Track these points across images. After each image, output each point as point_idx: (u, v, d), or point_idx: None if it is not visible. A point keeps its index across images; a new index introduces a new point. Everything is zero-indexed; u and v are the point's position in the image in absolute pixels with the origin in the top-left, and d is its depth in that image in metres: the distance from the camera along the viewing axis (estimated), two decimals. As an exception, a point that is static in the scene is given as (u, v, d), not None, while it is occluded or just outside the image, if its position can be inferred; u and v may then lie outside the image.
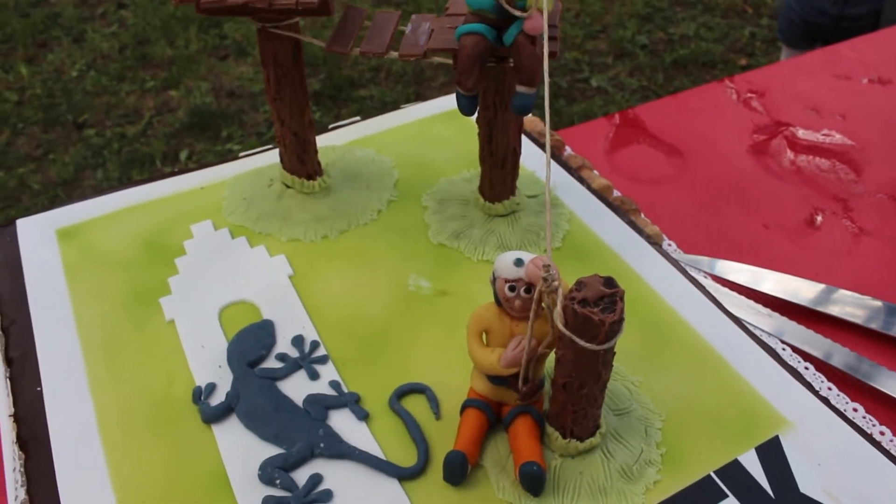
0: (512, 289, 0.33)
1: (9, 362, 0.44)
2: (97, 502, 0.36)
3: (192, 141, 2.18)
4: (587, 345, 0.31)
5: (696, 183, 0.66)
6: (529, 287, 0.33)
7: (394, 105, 2.32)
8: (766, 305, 0.53)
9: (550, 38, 0.39)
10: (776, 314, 0.52)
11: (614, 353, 0.33)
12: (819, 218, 0.64)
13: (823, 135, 0.74)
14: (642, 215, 0.57)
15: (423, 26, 0.43)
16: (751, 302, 0.53)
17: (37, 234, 0.52)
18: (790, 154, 0.71)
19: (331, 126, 0.60)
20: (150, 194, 0.54)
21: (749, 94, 0.80)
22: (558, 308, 0.31)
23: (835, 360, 0.50)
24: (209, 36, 2.65)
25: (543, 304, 0.33)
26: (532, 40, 0.37)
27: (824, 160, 0.70)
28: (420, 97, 2.54)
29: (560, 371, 0.34)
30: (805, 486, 0.36)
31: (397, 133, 0.58)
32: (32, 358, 0.44)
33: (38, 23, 2.83)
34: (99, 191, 0.55)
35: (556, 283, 0.32)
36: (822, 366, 0.49)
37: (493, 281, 0.34)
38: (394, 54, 0.42)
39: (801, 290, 0.55)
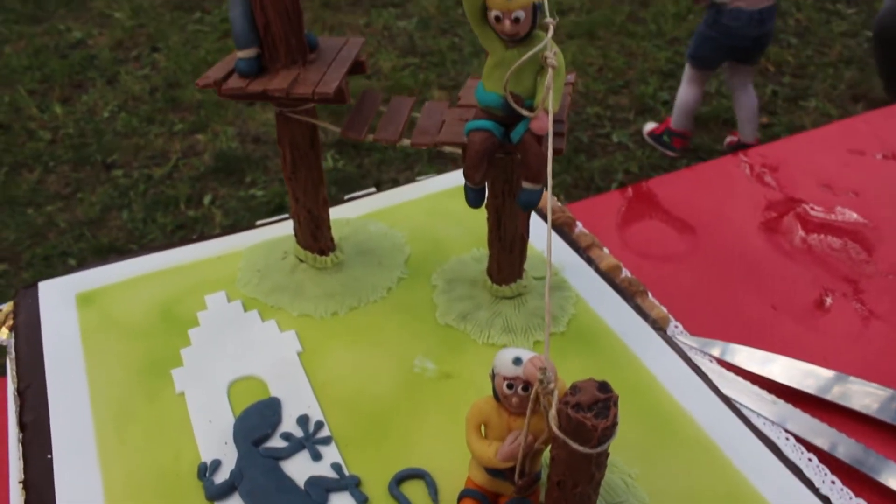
0: (510, 386, 0.34)
1: (22, 427, 0.46)
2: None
3: (217, 185, 2.22)
4: (580, 448, 0.31)
5: (707, 260, 0.67)
6: (527, 385, 0.34)
7: (416, 155, 2.35)
8: (771, 391, 0.53)
9: (557, 135, 0.40)
10: (781, 401, 0.52)
11: (608, 455, 0.33)
12: (829, 300, 0.64)
13: (836, 213, 0.74)
14: (650, 296, 0.57)
15: (436, 115, 0.44)
16: (756, 388, 0.53)
17: (57, 297, 0.53)
18: (801, 232, 0.71)
19: (346, 197, 0.62)
20: (168, 261, 0.55)
21: (763, 169, 0.80)
22: (553, 411, 0.32)
23: (840, 452, 0.50)
24: (238, 82, 2.70)
25: (540, 404, 0.33)
26: (539, 139, 0.38)
27: (836, 239, 0.71)
28: (440, 154, 2.57)
29: (554, 469, 0.34)
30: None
31: (411, 207, 0.59)
32: (45, 424, 0.45)
33: (76, 64, 2.92)
34: (119, 255, 0.57)
35: (551, 385, 0.32)
36: (826, 457, 0.49)
37: (493, 377, 0.35)
38: (406, 142, 0.43)
39: (808, 376, 0.55)
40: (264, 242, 0.55)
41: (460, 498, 0.37)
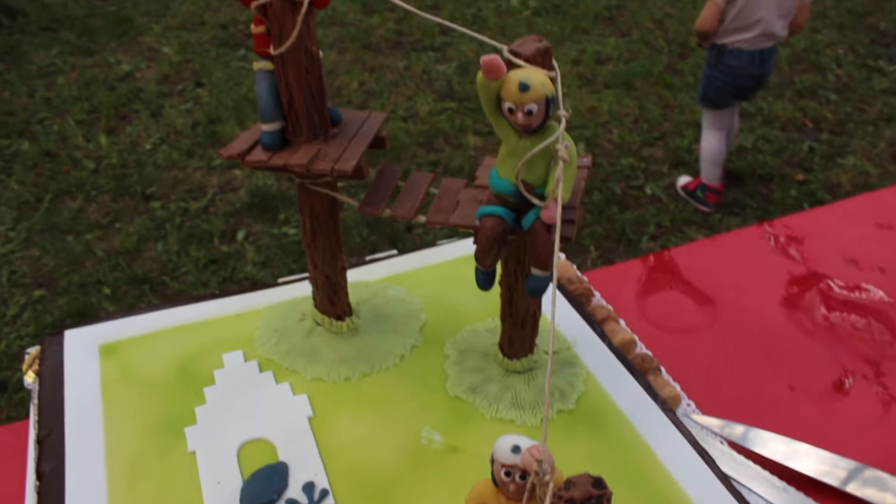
0: (507, 474, 0.34)
1: (39, 475, 0.47)
2: None
3: (251, 221, 2.25)
4: (574, 544, 0.31)
5: (725, 335, 0.67)
6: (524, 474, 0.34)
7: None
8: (783, 478, 0.53)
9: (567, 222, 0.41)
10: (792, 489, 0.52)
11: (602, 551, 0.33)
12: (849, 382, 0.63)
13: (860, 290, 0.73)
14: (663, 373, 0.57)
15: (451, 194, 0.45)
16: (766, 473, 0.52)
17: (82, 347, 0.55)
18: (823, 309, 0.71)
19: (368, 258, 0.63)
20: (189, 317, 0.57)
21: (787, 241, 0.80)
22: (548, 498, 0.32)
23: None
24: (277, 120, 2.75)
25: (536, 494, 0.34)
26: (548, 228, 0.39)
27: (859, 318, 0.70)
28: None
29: (549, 561, 0.34)
30: None
31: (429, 272, 0.60)
32: (61, 474, 0.46)
33: (122, 96, 3.01)
34: (143, 308, 0.58)
35: (547, 477, 0.33)
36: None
37: (492, 462, 0.35)
38: (422, 219, 0.44)
39: (823, 464, 0.54)
40: (283, 303, 0.57)
41: (457, 579, 0.38)
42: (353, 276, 0.58)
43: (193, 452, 0.46)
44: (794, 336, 0.67)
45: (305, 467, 0.45)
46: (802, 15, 2.11)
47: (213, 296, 0.59)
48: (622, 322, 0.61)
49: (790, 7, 2.04)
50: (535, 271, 0.40)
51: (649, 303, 0.70)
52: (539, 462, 0.33)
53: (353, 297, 0.55)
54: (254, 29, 0.43)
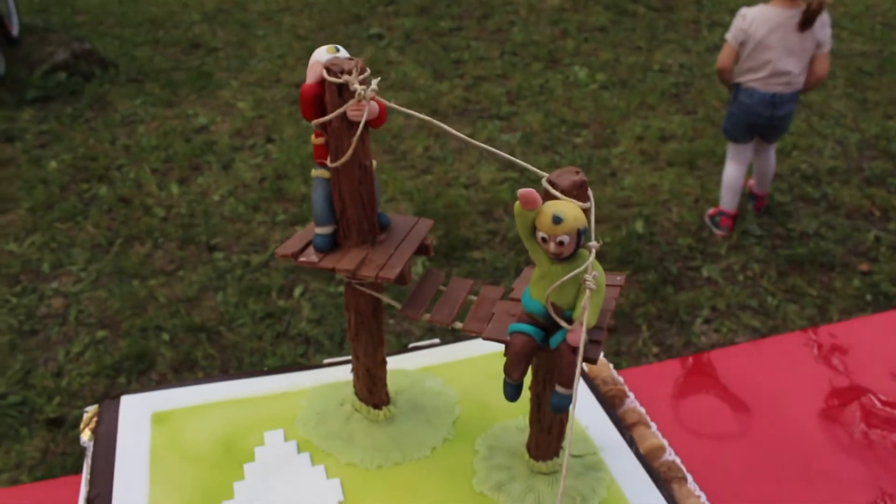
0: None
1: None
2: None
3: (308, 279, 2.32)
4: None
5: (758, 445, 0.67)
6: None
7: (503, 270, 2.40)
8: None
9: (594, 342, 0.43)
10: None
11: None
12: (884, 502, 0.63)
13: (903, 406, 0.73)
14: (689, 482, 0.58)
15: (488, 304, 0.48)
16: None
17: (136, 413, 0.59)
18: (863, 426, 0.70)
19: (410, 346, 0.66)
20: (238, 392, 0.60)
21: (831, 350, 0.80)
22: None
23: None
24: (342, 180, 2.84)
25: None
26: (574, 349, 0.41)
27: (900, 436, 0.69)
28: (528, 261, 2.62)
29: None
30: None
31: (467, 366, 0.63)
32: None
33: (197, 147, 3.14)
34: (196, 380, 0.62)
35: None
36: None
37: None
38: (458, 325, 0.47)
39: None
40: (327, 385, 0.60)
41: None
42: (395, 362, 0.61)
43: (230, 528, 0.49)
44: (831, 452, 0.67)
45: (332, 553, 0.47)
46: (820, 66, 2.30)
47: (262, 372, 0.62)
48: (653, 426, 0.62)
49: (799, 49, 2.23)
50: (559, 389, 0.42)
51: (684, 406, 0.71)
52: None
53: (392, 385, 0.57)
54: (314, 140, 0.47)
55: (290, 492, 0.51)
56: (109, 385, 1.97)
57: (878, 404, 0.73)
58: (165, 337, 2.13)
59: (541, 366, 0.47)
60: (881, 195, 2.86)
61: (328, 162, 0.46)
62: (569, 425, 0.36)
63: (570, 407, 0.39)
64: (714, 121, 3.43)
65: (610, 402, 0.61)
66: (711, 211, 2.58)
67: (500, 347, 0.65)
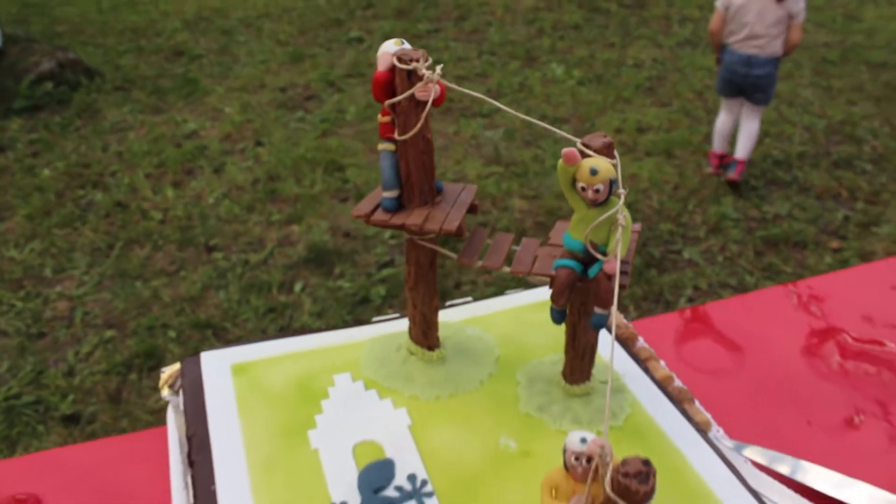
0: (576, 458, 0.46)
1: (191, 463, 0.59)
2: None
3: (308, 274, 2.40)
4: (627, 509, 0.42)
5: (751, 378, 0.77)
6: (589, 458, 0.45)
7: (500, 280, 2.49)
8: (798, 492, 0.62)
9: (623, 273, 0.53)
10: (804, 500, 0.61)
11: (648, 517, 0.44)
12: (859, 419, 0.73)
13: (873, 343, 0.83)
14: (696, 404, 0.68)
15: (530, 251, 0.58)
16: (783, 487, 0.62)
17: (216, 366, 0.67)
18: (839, 358, 0.81)
19: (447, 304, 0.75)
20: (304, 345, 0.69)
21: (809, 299, 0.91)
22: (608, 477, 0.43)
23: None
24: (333, 179, 2.94)
25: (599, 473, 0.45)
26: (609, 277, 0.50)
27: (871, 366, 0.80)
28: (521, 281, 2.75)
29: (607, 527, 0.45)
30: None
31: (501, 317, 0.72)
32: (209, 463, 0.58)
33: (188, 152, 3.21)
34: (265, 337, 0.71)
35: (608, 458, 0.44)
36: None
37: (564, 451, 0.47)
38: (507, 269, 0.56)
39: (834, 483, 0.64)
40: (382, 336, 0.69)
41: (533, 548, 0.48)
42: (440, 317, 0.70)
43: (316, 450, 0.58)
44: (812, 380, 0.78)
45: (408, 463, 0.56)
46: (793, 34, 2.71)
47: (320, 329, 0.71)
48: (662, 362, 0.72)
49: (774, 18, 2.64)
50: (597, 310, 0.52)
51: (685, 349, 0.81)
52: (602, 447, 0.44)
53: (440, 334, 0.67)
54: (380, 119, 0.57)
55: (365, 420, 0.60)
56: (121, 381, 2.04)
57: (850, 341, 0.83)
58: (172, 334, 2.20)
59: (575, 300, 0.57)
60: (848, 177, 3.00)
61: (395, 136, 0.55)
62: (612, 340, 0.46)
63: (607, 324, 0.49)
64: (689, 112, 3.56)
65: (624, 342, 0.71)
66: (708, 153, 3.04)
67: (525, 301, 0.75)
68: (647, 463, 0.43)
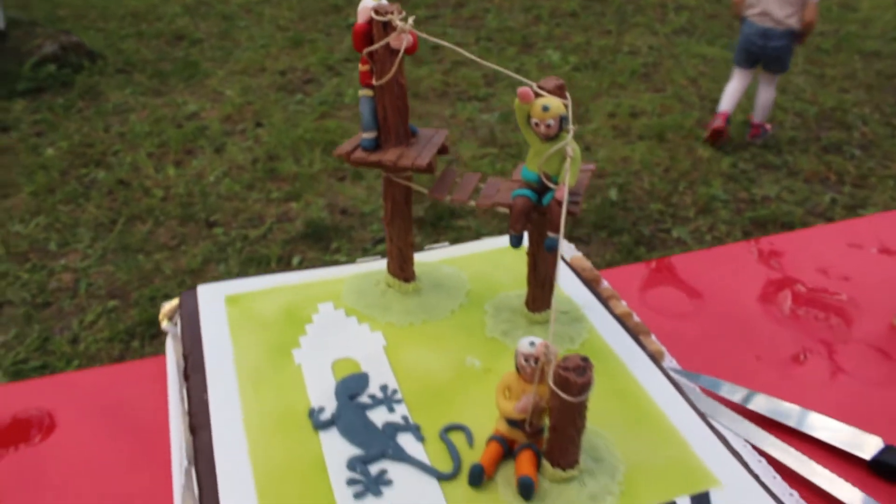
0: (526, 360, 0.52)
1: (186, 377, 0.65)
2: (239, 473, 0.54)
3: (305, 249, 2.46)
4: (566, 397, 0.48)
5: (708, 320, 0.83)
6: (537, 360, 0.51)
7: (487, 236, 2.55)
8: (743, 416, 0.68)
9: (574, 202, 0.59)
10: (748, 422, 0.67)
11: (586, 406, 0.50)
12: (804, 356, 0.79)
13: (825, 292, 0.89)
14: (652, 337, 0.74)
15: (494, 186, 0.63)
16: (729, 411, 0.68)
17: (211, 297, 0.73)
18: (791, 304, 0.87)
19: (427, 247, 0.81)
20: (292, 280, 0.75)
21: (769, 254, 0.97)
22: (551, 372, 0.49)
23: (774, 452, 0.65)
24: (331, 158, 3.00)
25: (545, 373, 0.51)
26: (559, 202, 0.56)
27: (820, 312, 0.86)
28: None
29: (551, 417, 0.51)
30: (720, 526, 0.51)
31: (475, 258, 0.78)
32: (203, 378, 0.64)
33: (189, 133, 3.26)
34: (256, 274, 0.77)
35: (552, 357, 0.50)
36: (771, 460, 0.64)
37: (516, 355, 0.53)
38: (472, 203, 0.62)
39: (775, 407, 0.70)
40: (362, 273, 0.75)
41: (488, 441, 0.54)
42: (416, 258, 0.76)
43: (300, 365, 0.64)
44: (765, 323, 0.84)
45: (381, 376, 0.62)
46: (808, 13, 2.86)
47: (308, 268, 0.77)
48: (623, 302, 0.78)
49: None
50: (550, 234, 0.58)
51: (649, 294, 0.87)
52: (546, 347, 0.50)
53: (417, 270, 0.73)
54: (361, 67, 0.62)
55: (344, 341, 0.66)
56: (124, 349, 2.10)
57: (803, 290, 0.89)
58: (174, 304, 2.25)
59: (535, 231, 0.63)
60: (837, 161, 3.05)
61: (373, 81, 0.61)
62: (557, 260, 0.51)
63: (558, 247, 0.55)
64: (682, 98, 3.61)
65: (589, 283, 0.77)
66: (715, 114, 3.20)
67: (498, 245, 0.81)
68: (584, 359, 0.50)
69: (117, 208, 2.72)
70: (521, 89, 0.55)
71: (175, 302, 0.77)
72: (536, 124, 0.55)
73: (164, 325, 0.76)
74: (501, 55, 4.12)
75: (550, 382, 0.49)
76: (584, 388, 0.49)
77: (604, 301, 0.75)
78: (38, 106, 3.49)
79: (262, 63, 4.03)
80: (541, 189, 0.58)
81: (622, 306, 0.76)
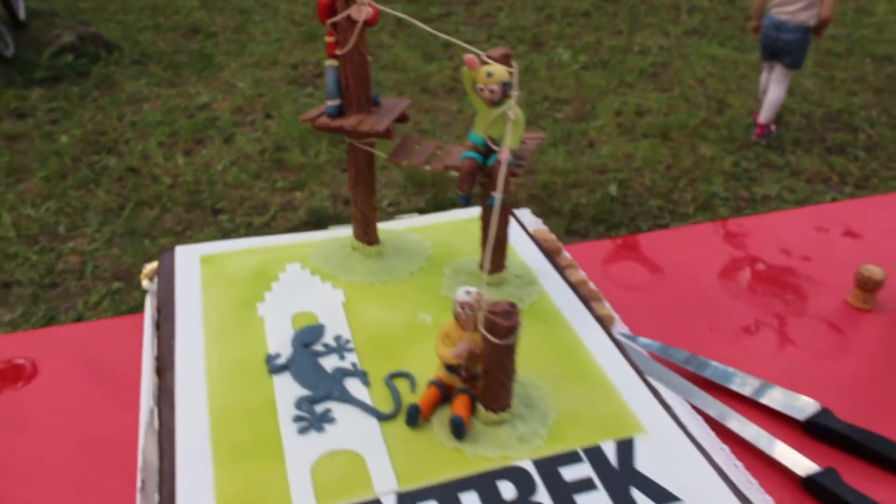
0: (462, 308, 0.55)
1: (158, 327, 0.69)
2: (196, 410, 0.58)
3: (307, 234, 2.51)
4: (494, 339, 0.52)
5: (667, 293, 0.86)
6: (472, 307, 0.55)
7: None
8: (688, 380, 0.71)
9: (519, 165, 0.62)
10: (694, 386, 0.70)
11: (514, 350, 0.54)
12: (755, 327, 0.82)
13: (785, 270, 0.92)
14: (604, 303, 0.77)
15: (449, 152, 0.67)
16: (673, 374, 0.71)
17: (188, 256, 0.77)
18: (750, 279, 0.90)
19: (397, 217, 0.85)
20: (263, 243, 0.79)
21: (735, 234, 0.99)
22: (481, 317, 0.53)
23: (711, 411, 0.68)
24: (337, 150, 3.04)
25: (478, 318, 0.54)
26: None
27: (778, 288, 0.89)
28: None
29: (483, 362, 0.55)
30: (641, 467, 0.54)
31: (439, 227, 0.82)
32: (173, 327, 0.68)
33: (200, 123, 3.32)
34: (232, 239, 0.81)
35: (484, 303, 0.53)
36: (705, 415, 0.67)
37: (453, 304, 0.56)
38: (428, 167, 0.66)
39: (721, 372, 0.73)
40: (330, 238, 0.79)
41: (428, 385, 0.58)
42: (384, 225, 0.80)
43: (262, 317, 0.68)
44: (722, 297, 0.87)
45: (337, 328, 0.66)
46: (824, 9, 2.97)
47: (282, 232, 0.81)
48: (582, 272, 0.81)
49: None
50: (494, 193, 0.61)
51: (612, 268, 0.90)
52: (479, 294, 0.54)
53: (382, 236, 0.76)
54: (327, 39, 0.66)
55: (306, 297, 0.70)
56: (127, 328, 2.14)
57: (762, 267, 0.92)
58: (176, 288, 2.30)
59: (485, 194, 0.66)
60: (840, 162, 3.06)
61: (337, 52, 0.65)
62: (495, 216, 0.55)
63: (499, 205, 0.59)
64: (688, 98, 3.63)
65: (550, 254, 0.80)
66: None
67: (463, 216, 0.84)
68: (512, 305, 0.53)
69: (126, 194, 2.78)
70: (466, 56, 0.58)
71: (156, 263, 0.81)
72: (481, 89, 0.59)
73: (145, 284, 0.80)
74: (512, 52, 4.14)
75: (480, 326, 0.53)
76: (511, 331, 0.52)
77: (560, 269, 0.78)
78: (55, 94, 3.56)
79: (275, 56, 4.09)
80: (486, 152, 0.62)
81: (578, 275, 0.79)
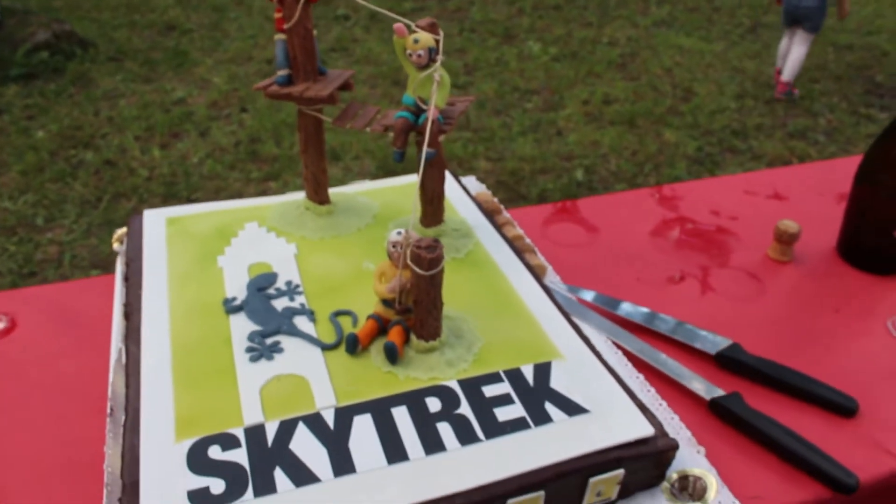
0: (394, 247, 0.62)
1: (126, 279, 0.76)
2: (160, 347, 0.65)
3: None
4: (419, 271, 0.59)
5: (601, 249, 0.94)
6: (402, 246, 0.62)
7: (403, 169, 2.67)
8: (614, 322, 0.79)
9: (447, 123, 0.69)
10: (618, 327, 0.78)
11: (440, 281, 0.61)
12: (679, 276, 0.90)
13: (712, 228, 1.00)
14: (538, 255, 0.84)
15: (387, 114, 0.74)
16: (599, 316, 0.79)
17: (155, 218, 0.84)
18: (679, 236, 0.97)
19: (350, 183, 0.92)
20: (225, 206, 0.86)
21: (670, 198, 1.07)
22: (408, 252, 0.60)
23: (630, 346, 0.75)
24: (310, 140, 3.08)
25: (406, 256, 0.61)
26: (432, 122, 0.67)
27: (704, 243, 0.97)
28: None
29: (413, 294, 0.62)
30: (555, 385, 0.62)
31: (388, 190, 0.89)
32: (139, 279, 0.74)
33: (175, 117, 3.36)
34: (197, 204, 0.87)
35: (410, 240, 0.60)
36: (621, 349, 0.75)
37: (386, 245, 0.63)
38: (368, 129, 0.73)
39: (638, 312, 0.81)
40: (288, 200, 0.85)
41: (366, 319, 0.65)
42: (338, 190, 0.87)
43: (221, 268, 0.74)
44: (652, 252, 0.94)
45: (288, 275, 0.73)
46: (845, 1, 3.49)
47: (240, 199, 0.88)
48: (520, 229, 0.88)
49: None
50: (426, 149, 0.68)
51: (551, 229, 0.97)
52: (408, 233, 0.61)
53: (334, 198, 0.83)
54: (276, 15, 0.73)
55: (262, 250, 0.77)
56: (105, 315, 2.19)
57: (691, 226, 1.00)
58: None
59: (419, 153, 0.73)
60: (800, 146, 3.16)
61: (284, 27, 0.72)
62: (421, 164, 0.62)
63: (431, 159, 0.65)
64: (655, 86, 3.72)
65: (489, 214, 0.87)
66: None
67: (408, 181, 0.91)
68: (436, 240, 0.60)
69: (103, 187, 2.82)
70: (396, 25, 0.65)
71: (125, 228, 0.87)
72: (410, 55, 0.66)
73: (116, 246, 0.87)
74: (483, 45, 4.22)
75: (408, 260, 0.60)
76: (434, 262, 0.59)
77: (498, 226, 0.85)
78: (31, 91, 3.59)
79: (249, 52, 4.13)
80: (417, 111, 0.69)
81: (515, 231, 0.87)
